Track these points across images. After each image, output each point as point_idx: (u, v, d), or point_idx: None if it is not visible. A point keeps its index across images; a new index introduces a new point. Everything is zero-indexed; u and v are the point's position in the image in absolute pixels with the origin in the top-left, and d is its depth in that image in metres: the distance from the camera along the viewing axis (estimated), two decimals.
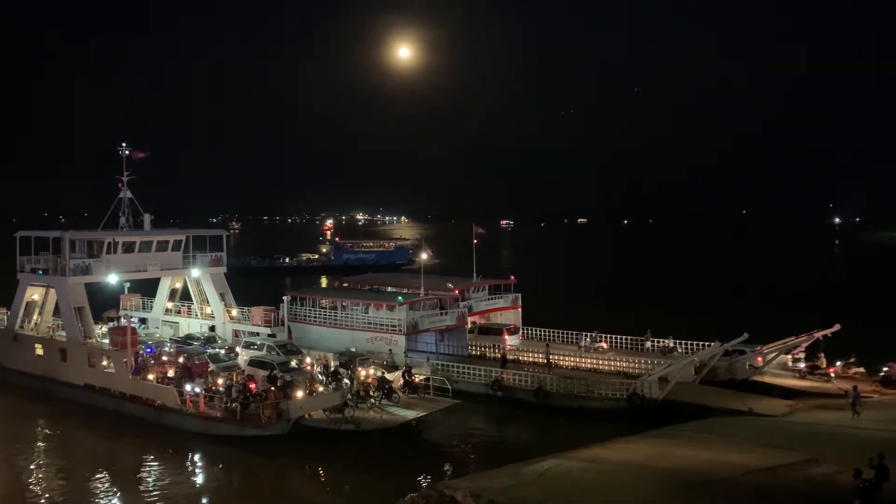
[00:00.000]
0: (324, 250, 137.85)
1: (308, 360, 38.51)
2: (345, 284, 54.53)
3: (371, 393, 32.78)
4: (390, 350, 40.76)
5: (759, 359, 38.00)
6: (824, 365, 38.25)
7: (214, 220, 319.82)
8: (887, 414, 31.08)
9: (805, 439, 26.62)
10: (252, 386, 32.55)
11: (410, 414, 31.47)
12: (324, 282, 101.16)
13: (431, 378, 35.13)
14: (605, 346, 44.67)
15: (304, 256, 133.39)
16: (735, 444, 26.45)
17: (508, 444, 32.09)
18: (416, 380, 34.40)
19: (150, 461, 29.94)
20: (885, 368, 36.21)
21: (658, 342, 43.98)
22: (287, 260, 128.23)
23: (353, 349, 41.19)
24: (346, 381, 33.87)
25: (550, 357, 41.29)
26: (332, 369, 35.58)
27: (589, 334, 45.32)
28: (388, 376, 34.51)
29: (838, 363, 38.31)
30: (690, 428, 29.92)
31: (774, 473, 22.46)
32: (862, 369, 37.90)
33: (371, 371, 35.38)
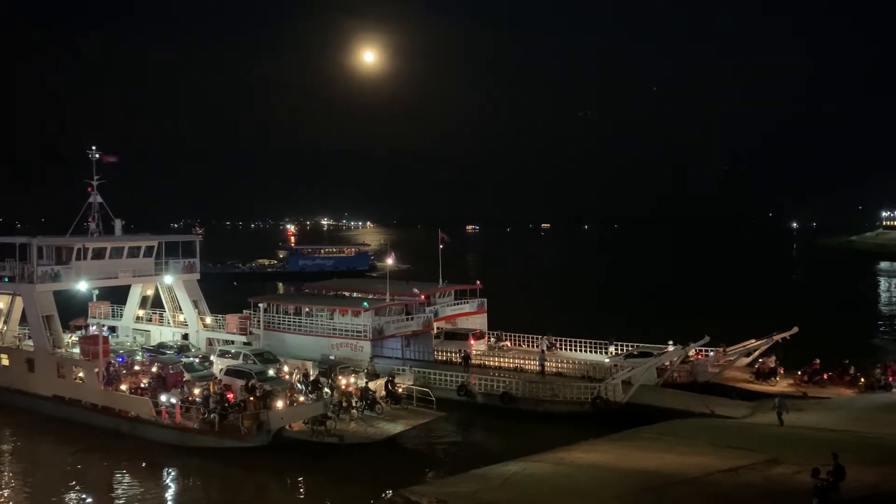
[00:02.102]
0: (281, 255, 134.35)
1: (286, 368, 37.97)
2: (305, 290, 54.13)
3: (353, 403, 32.12)
4: (371, 357, 40.49)
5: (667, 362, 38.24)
6: (693, 353, 39.85)
7: (176, 225, 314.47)
8: (843, 413, 31.82)
9: (765, 440, 27.15)
10: (230, 396, 31.87)
11: (396, 427, 30.89)
12: (281, 288, 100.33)
13: (415, 389, 34.49)
14: (507, 344, 47.14)
15: (261, 262, 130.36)
16: (697, 446, 26.86)
17: (474, 448, 32.16)
18: (399, 390, 33.92)
19: (122, 475, 29.10)
20: (759, 360, 38.39)
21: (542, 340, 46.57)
22: (241, 265, 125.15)
23: (332, 357, 40.69)
24: (326, 390, 33.25)
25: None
26: (312, 378, 34.84)
27: (493, 334, 47.78)
28: (371, 385, 34.00)
29: (711, 353, 39.92)
30: (654, 430, 30.31)
31: (736, 474, 22.85)
32: (731, 358, 39.80)
33: (352, 380, 34.92)
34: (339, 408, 31.50)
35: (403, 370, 38.55)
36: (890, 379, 35.89)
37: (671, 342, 41.19)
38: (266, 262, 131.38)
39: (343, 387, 33.67)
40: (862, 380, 36.49)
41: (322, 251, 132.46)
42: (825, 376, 37.10)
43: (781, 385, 37.20)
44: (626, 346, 43.74)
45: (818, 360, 37.69)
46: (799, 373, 37.80)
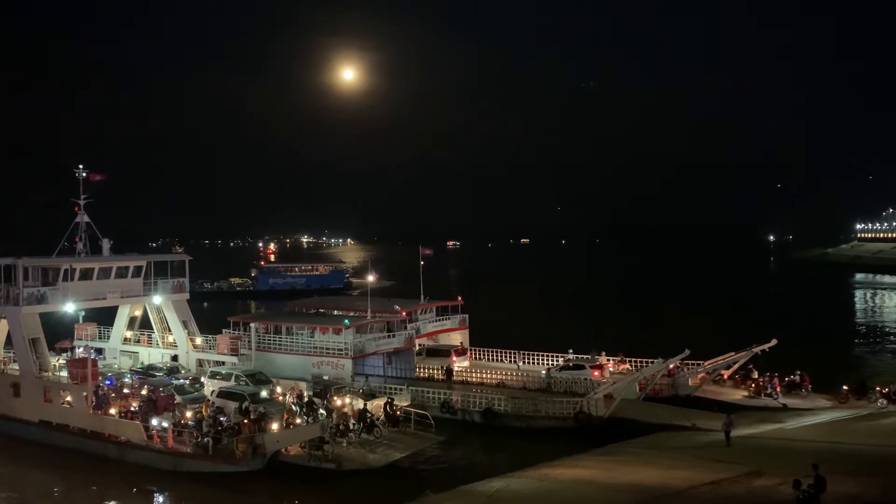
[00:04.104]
0: (253, 274, 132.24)
1: (279, 389, 37.45)
2: (286, 308, 53.81)
3: (351, 426, 31.57)
4: (366, 377, 40.21)
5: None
6: (606, 362, 43.32)
7: (154, 244, 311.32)
8: (822, 425, 32.11)
9: (747, 452, 27.37)
10: (222, 419, 31.27)
11: (395, 454, 30.32)
12: (252, 307, 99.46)
13: (413, 412, 34.02)
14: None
15: (235, 280, 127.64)
16: (680, 459, 27.02)
17: (458, 465, 31.79)
18: (398, 412, 33.56)
19: (113, 502, 28.48)
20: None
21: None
22: (209, 285, 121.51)
23: (326, 377, 40.13)
24: (322, 411, 32.65)
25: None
26: (307, 400, 34.21)
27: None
28: (368, 406, 33.44)
29: (611, 360, 43.40)
30: (636, 444, 30.49)
31: (718, 487, 23.00)
32: (628, 366, 43.26)
33: (347, 400, 34.47)
34: (336, 430, 30.89)
35: (401, 390, 38.18)
36: (777, 388, 38.43)
37: (604, 352, 44.23)
38: (238, 280, 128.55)
39: (339, 408, 33.09)
40: (752, 385, 38.99)
41: (296, 269, 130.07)
42: (725, 377, 40.33)
43: (693, 383, 39.49)
44: (560, 356, 45.60)
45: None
46: (705, 374, 40.45)
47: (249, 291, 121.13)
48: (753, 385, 39.06)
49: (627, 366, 43.67)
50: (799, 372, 39.44)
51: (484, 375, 43.11)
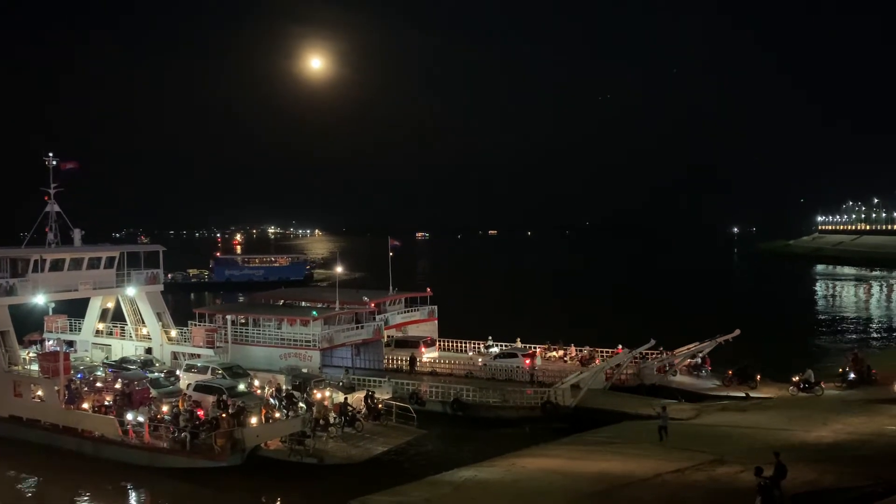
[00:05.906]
0: (211, 265, 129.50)
1: (256, 383, 37.05)
2: (240, 299, 53.41)
3: (332, 420, 31.32)
4: (346, 370, 40.03)
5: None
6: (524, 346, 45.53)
7: (118, 234, 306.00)
8: (783, 413, 32.80)
9: (710, 441, 27.91)
10: (200, 413, 30.67)
11: (377, 447, 30.11)
12: (208, 300, 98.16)
13: (395, 405, 33.86)
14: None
15: (191, 272, 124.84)
16: (645, 448, 27.48)
17: (426, 455, 31.90)
18: (379, 406, 33.31)
19: (87, 499, 28.04)
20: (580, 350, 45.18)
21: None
22: (172, 276, 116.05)
23: (305, 370, 39.78)
24: (301, 405, 32.25)
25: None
26: (285, 393, 33.61)
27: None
28: (349, 399, 33.12)
29: (539, 348, 45.61)
30: (603, 433, 30.93)
31: (682, 475, 23.47)
32: (561, 353, 45.67)
33: (327, 393, 34.18)
34: (316, 425, 30.55)
35: (381, 383, 37.80)
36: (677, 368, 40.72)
37: (519, 339, 46.35)
38: (194, 271, 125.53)
39: (319, 402, 32.75)
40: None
41: (255, 260, 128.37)
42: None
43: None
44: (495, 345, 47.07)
45: (621, 346, 41.04)
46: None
47: (205, 283, 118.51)
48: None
49: (561, 353, 45.36)
50: (701, 355, 41.13)
51: (452, 366, 43.28)
